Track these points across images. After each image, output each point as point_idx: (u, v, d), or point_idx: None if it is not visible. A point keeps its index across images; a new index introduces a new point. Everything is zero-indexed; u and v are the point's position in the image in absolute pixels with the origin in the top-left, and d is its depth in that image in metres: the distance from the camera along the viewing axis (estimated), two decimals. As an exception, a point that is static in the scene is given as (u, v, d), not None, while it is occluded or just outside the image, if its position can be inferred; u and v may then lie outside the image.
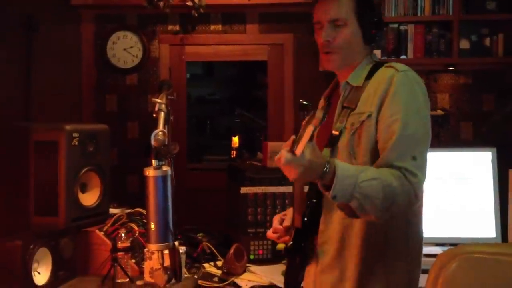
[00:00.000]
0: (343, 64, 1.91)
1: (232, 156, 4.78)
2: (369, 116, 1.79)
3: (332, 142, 1.86)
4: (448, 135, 3.89)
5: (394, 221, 1.78)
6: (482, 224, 2.86)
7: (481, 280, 1.11)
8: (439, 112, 3.74)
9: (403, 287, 1.86)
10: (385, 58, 3.67)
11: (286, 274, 2.05)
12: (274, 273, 2.62)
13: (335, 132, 1.85)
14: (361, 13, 1.86)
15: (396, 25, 3.69)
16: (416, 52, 3.69)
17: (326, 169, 1.63)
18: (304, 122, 1.63)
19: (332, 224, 1.87)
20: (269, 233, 2.06)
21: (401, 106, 1.75)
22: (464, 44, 3.65)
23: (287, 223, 2.01)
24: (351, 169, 1.67)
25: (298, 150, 1.55)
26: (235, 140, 4.74)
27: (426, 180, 1.74)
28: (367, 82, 1.86)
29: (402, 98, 1.76)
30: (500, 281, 1.10)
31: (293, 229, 1.93)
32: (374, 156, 1.78)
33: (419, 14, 3.68)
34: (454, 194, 2.89)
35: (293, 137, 1.61)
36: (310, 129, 1.55)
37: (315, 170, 1.63)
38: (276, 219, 2.06)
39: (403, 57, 3.68)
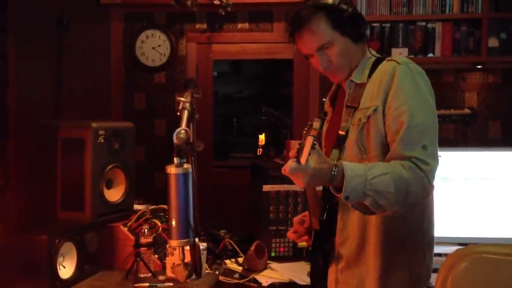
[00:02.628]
0: (348, 73, 1.93)
1: (258, 154, 4.79)
2: (375, 110, 1.81)
3: (339, 142, 1.88)
4: (476, 135, 3.83)
5: (410, 212, 1.80)
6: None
7: (490, 280, 1.11)
8: (466, 111, 3.68)
9: (423, 276, 1.88)
10: (412, 56, 3.63)
11: (312, 276, 2.07)
12: (295, 270, 2.64)
13: (341, 132, 1.87)
14: (339, 24, 1.86)
15: (423, 23, 3.65)
16: (444, 50, 3.64)
17: (334, 172, 1.65)
18: (304, 133, 1.66)
19: (350, 222, 1.89)
20: (289, 233, 2.08)
21: (406, 97, 1.77)
22: (493, 42, 3.59)
23: (307, 224, 2.03)
24: (359, 167, 1.68)
25: (303, 159, 1.58)
26: (262, 137, 4.75)
27: (438, 166, 1.74)
28: (369, 78, 1.88)
29: (406, 89, 1.78)
30: (509, 281, 1.10)
31: (312, 232, 1.95)
32: (385, 149, 1.79)
33: (447, 12, 3.63)
34: (482, 194, 2.85)
35: (297, 146, 1.63)
36: (310, 140, 1.58)
37: (323, 175, 1.65)
38: (296, 220, 2.08)
39: (430, 55, 3.63)
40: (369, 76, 1.88)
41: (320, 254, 1.94)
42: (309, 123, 1.66)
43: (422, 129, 1.75)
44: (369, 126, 1.82)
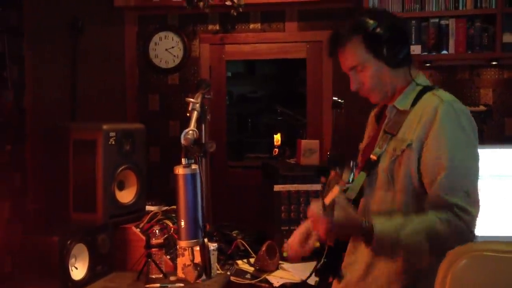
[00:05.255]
0: (384, 97, 1.91)
1: (274, 154, 4.79)
2: (409, 145, 1.77)
3: (368, 167, 1.85)
4: (492, 132, 3.78)
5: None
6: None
7: (489, 277, 1.10)
8: (482, 108, 3.64)
9: None
10: (426, 53, 3.60)
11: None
12: (307, 271, 2.62)
13: (373, 157, 1.84)
14: (374, 48, 1.83)
15: (436, 20, 3.61)
16: (457, 47, 3.59)
17: (364, 228, 1.67)
18: (331, 177, 1.65)
19: (361, 247, 1.85)
20: (285, 245, 2.08)
21: (448, 138, 1.71)
22: (508, 38, 3.53)
23: (312, 243, 2.02)
24: (390, 226, 1.66)
25: (327, 199, 1.60)
26: (277, 138, 4.75)
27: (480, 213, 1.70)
28: (412, 107, 1.83)
29: (449, 130, 1.72)
30: (509, 279, 1.09)
31: (326, 248, 1.92)
32: (411, 186, 1.76)
33: (460, 8, 3.59)
34: (496, 192, 2.81)
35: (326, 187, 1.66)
36: (336, 190, 1.58)
37: (346, 232, 1.71)
38: (298, 233, 2.09)
39: (444, 52, 3.59)
40: (413, 104, 1.84)
41: (332, 272, 1.93)
42: (337, 168, 1.66)
43: (464, 174, 1.71)
44: (401, 159, 1.78)
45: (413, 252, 1.64)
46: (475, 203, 1.70)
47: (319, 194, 1.69)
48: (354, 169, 1.86)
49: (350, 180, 1.73)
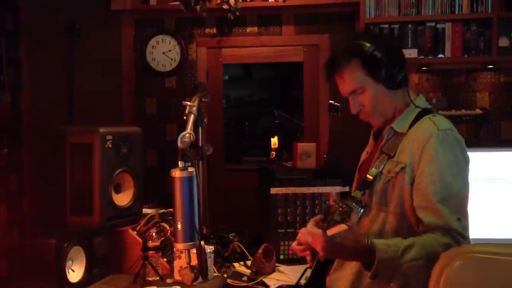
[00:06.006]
0: (385, 119, 1.92)
1: (271, 157, 4.79)
2: (403, 168, 1.78)
3: (364, 186, 1.86)
4: (488, 135, 3.80)
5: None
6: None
7: (483, 279, 1.11)
8: (478, 111, 3.65)
9: None
10: (422, 57, 3.62)
11: None
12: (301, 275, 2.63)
13: (369, 177, 1.86)
14: (372, 71, 1.84)
15: (433, 24, 3.63)
16: (454, 50, 3.62)
17: (367, 243, 1.66)
18: (334, 208, 1.66)
19: (347, 265, 1.88)
20: (294, 245, 2.07)
21: (441, 165, 1.73)
22: (504, 42, 3.56)
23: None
24: (391, 249, 1.65)
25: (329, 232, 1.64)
26: (274, 141, 4.75)
27: None
28: (409, 130, 1.85)
29: (443, 157, 1.74)
30: (502, 281, 1.10)
31: (315, 261, 1.94)
32: (403, 209, 1.78)
33: (457, 12, 3.61)
34: (491, 195, 2.82)
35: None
36: (342, 228, 1.60)
37: (346, 254, 1.71)
38: (303, 232, 2.07)
39: (440, 56, 3.62)
40: (411, 127, 1.85)
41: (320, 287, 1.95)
42: (344, 205, 1.65)
43: (459, 201, 1.73)
44: (395, 181, 1.80)
45: (414, 278, 1.63)
46: (467, 228, 1.72)
47: (323, 213, 1.71)
48: (362, 213, 1.83)
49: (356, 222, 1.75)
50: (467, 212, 1.75)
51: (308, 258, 1.97)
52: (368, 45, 1.83)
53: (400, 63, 1.85)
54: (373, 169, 1.86)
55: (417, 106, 1.89)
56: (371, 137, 2.09)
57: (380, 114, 1.90)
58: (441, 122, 1.82)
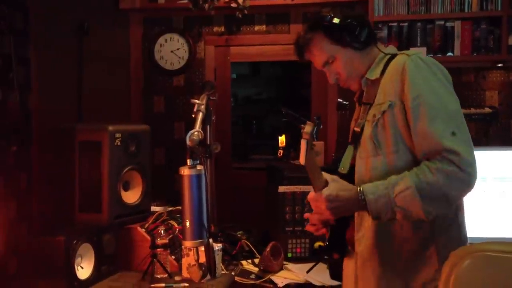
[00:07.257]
0: (360, 78, 1.93)
1: (278, 155, 4.80)
2: (390, 105, 1.78)
3: (354, 139, 1.89)
4: (497, 134, 3.78)
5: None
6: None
7: (493, 278, 1.10)
8: (487, 110, 3.63)
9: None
10: (431, 55, 3.61)
11: (331, 269, 2.07)
12: (311, 271, 2.63)
13: (356, 129, 1.89)
14: (338, 38, 1.88)
15: (442, 22, 3.62)
16: (463, 49, 3.60)
17: (361, 196, 1.70)
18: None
19: (367, 217, 1.84)
20: (308, 226, 2.07)
21: (421, 85, 1.73)
22: (514, 40, 3.54)
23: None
24: (380, 188, 1.69)
25: (301, 159, 1.68)
26: (282, 139, 4.75)
27: (473, 150, 1.67)
28: (384, 75, 1.86)
29: (420, 78, 1.75)
30: (512, 280, 1.09)
31: (328, 227, 1.94)
32: (403, 146, 1.76)
33: (466, 10, 3.59)
34: (501, 194, 2.81)
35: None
36: (303, 143, 1.63)
37: (347, 203, 1.73)
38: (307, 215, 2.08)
39: (449, 54, 3.60)
40: (383, 72, 1.87)
41: (336, 249, 1.94)
42: (302, 126, 1.69)
43: (446, 115, 1.69)
44: (384, 122, 1.79)
45: (409, 210, 1.65)
46: (464, 142, 1.66)
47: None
48: (320, 125, 1.82)
49: (314, 133, 1.73)
50: (462, 127, 1.69)
51: (326, 234, 1.96)
52: (325, 15, 1.91)
53: (359, 22, 1.90)
54: (359, 121, 1.89)
55: (386, 54, 1.91)
56: (356, 104, 2.08)
57: (356, 77, 1.93)
58: (411, 51, 1.86)
